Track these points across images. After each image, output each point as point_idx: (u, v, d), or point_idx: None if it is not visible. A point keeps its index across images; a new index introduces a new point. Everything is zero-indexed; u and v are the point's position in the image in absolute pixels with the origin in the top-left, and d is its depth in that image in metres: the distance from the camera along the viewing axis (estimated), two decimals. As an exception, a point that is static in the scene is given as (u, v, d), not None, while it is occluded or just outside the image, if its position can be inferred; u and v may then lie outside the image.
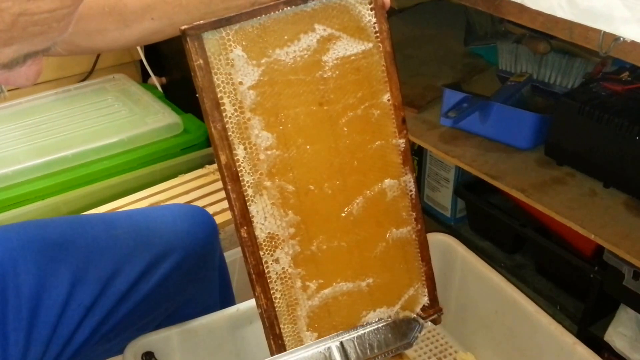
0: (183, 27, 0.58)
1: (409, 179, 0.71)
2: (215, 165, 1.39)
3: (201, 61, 0.59)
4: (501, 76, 1.28)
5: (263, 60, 0.62)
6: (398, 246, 0.73)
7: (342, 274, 0.70)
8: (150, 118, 1.40)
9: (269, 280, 0.67)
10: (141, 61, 1.56)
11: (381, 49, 0.67)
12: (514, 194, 1.01)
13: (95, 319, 0.75)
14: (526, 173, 1.04)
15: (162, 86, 1.55)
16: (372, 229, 0.71)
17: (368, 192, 0.70)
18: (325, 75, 0.65)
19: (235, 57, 0.61)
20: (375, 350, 0.71)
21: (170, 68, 1.56)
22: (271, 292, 0.67)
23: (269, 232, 0.66)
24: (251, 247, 0.65)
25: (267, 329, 0.68)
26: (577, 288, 1.16)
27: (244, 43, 0.61)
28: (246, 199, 0.64)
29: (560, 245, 1.13)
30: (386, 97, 0.68)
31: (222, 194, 1.27)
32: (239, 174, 0.63)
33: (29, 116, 1.43)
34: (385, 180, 0.70)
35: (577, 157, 1.02)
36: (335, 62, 0.65)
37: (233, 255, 1.14)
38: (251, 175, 0.64)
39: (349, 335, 0.70)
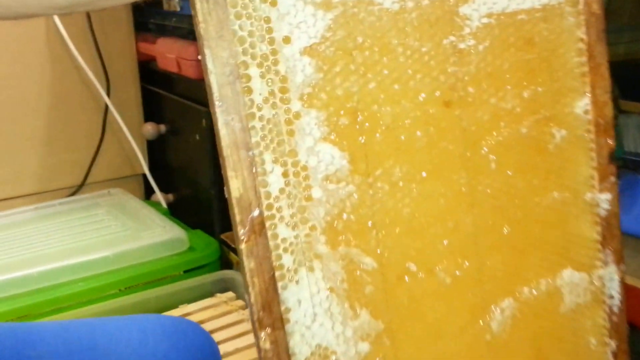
0: None
1: (612, 275, 0.36)
2: (229, 294, 0.98)
3: (206, -19, 0.29)
4: (631, 160, 0.91)
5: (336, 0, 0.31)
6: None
7: None
8: (146, 233, 1.12)
9: None
10: (144, 175, 1.32)
11: (581, 7, 0.33)
12: None
13: None
14: None
15: (169, 204, 1.31)
16: (526, 364, 0.36)
17: (525, 289, 0.35)
18: (461, 46, 0.32)
19: (280, -15, 0.30)
20: None
21: (179, 183, 1.34)
22: None
23: (317, 345, 0.33)
24: (277, 371, 0.33)
25: None
26: None
27: (300, -41, 0.30)
28: (276, 273, 0.32)
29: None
30: (583, 103, 0.34)
31: (237, 330, 0.85)
32: (266, 222, 0.32)
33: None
34: (564, 272, 0.36)
35: None
36: (485, 21, 0.33)
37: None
38: (292, 229, 0.32)
39: None
